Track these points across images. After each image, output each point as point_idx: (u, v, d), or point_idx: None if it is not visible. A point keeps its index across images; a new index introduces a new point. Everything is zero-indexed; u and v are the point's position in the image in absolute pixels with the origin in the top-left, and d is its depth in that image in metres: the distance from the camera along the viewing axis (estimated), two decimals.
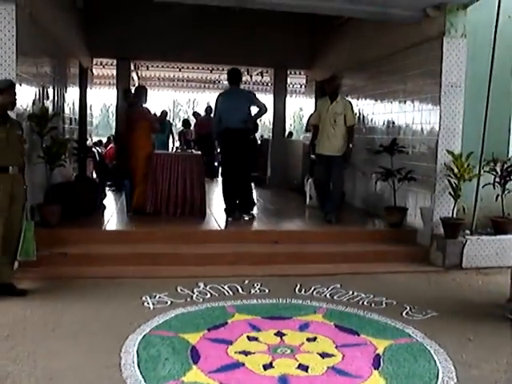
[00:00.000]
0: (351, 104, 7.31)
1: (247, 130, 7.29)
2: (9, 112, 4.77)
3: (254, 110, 7.25)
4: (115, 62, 12.02)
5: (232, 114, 7.03)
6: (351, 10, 6.92)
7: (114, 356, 3.60)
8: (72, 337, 3.94)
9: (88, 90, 10.64)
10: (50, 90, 7.17)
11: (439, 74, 6.31)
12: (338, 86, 7.38)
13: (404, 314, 4.60)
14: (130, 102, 7.73)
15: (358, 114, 8.89)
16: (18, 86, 5.23)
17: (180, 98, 40.70)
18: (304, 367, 3.47)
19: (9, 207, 4.64)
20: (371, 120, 8.41)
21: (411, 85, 7.09)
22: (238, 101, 7.15)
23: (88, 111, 10.63)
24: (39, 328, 4.08)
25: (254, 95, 7.40)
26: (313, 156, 7.73)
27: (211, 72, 15.73)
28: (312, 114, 7.61)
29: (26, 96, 5.88)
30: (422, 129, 6.82)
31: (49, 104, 6.92)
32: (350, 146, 7.14)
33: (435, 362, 3.63)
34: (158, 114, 11.87)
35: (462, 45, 6.30)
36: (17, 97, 4.81)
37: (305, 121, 11.73)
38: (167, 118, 12.90)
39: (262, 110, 7.28)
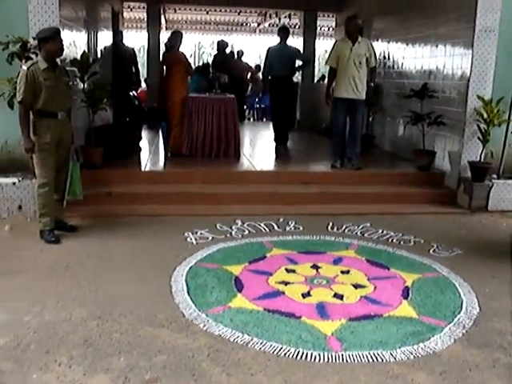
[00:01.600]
0: (372, 44, 7.24)
1: (291, 78, 8.71)
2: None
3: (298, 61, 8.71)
4: (145, 5, 12.10)
5: (280, 65, 8.30)
6: None
7: (165, 285, 3.97)
8: (125, 268, 4.31)
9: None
10: (88, 35, 7.37)
11: (473, 18, 6.32)
12: (360, 26, 7.16)
13: (431, 251, 4.89)
14: (167, 46, 7.88)
15: (388, 59, 8.95)
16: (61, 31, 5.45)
17: (203, 40, 40.22)
18: (339, 296, 3.80)
19: (57, 150, 4.95)
20: (402, 64, 8.46)
21: (444, 29, 7.11)
22: (286, 55, 8.42)
23: None
24: (94, 260, 4.47)
25: (299, 51, 8.94)
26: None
27: (239, 14, 15.67)
28: (329, 56, 7.14)
29: (66, 41, 6.07)
30: (452, 74, 6.89)
31: (87, 49, 7.13)
32: (372, 85, 7.20)
33: (460, 294, 3.94)
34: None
35: None
36: (64, 43, 5.01)
37: None
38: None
39: (306, 63, 9.08)
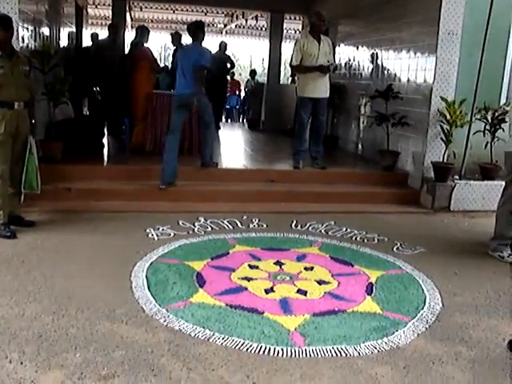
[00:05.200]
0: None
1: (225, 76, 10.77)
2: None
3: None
4: (110, 1, 11.91)
5: (216, 67, 8.88)
6: None
7: (125, 280, 3.85)
8: (84, 263, 4.17)
9: (83, 29, 10.59)
10: (49, 28, 7.19)
11: (437, 21, 6.39)
12: (326, 22, 6.96)
13: (395, 249, 4.90)
14: (132, 42, 7.76)
15: (353, 60, 9.00)
16: (20, 22, 5.29)
17: (169, 41, 40.01)
18: (303, 292, 3.75)
19: (13, 142, 4.76)
20: (367, 67, 8.51)
21: (408, 32, 7.17)
22: (220, 59, 10.08)
23: None
24: (52, 255, 4.31)
25: (229, 57, 10.74)
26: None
27: (205, 14, 15.54)
28: (293, 55, 6.92)
29: (27, 33, 5.91)
30: (417, 75, 6.95)
31: (49, 41, 6.96)
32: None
33: (423, 290, 3.94)
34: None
35: None
36: (14, 32, 4.75)
37: None
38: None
39: (232, 65, 10.87)
